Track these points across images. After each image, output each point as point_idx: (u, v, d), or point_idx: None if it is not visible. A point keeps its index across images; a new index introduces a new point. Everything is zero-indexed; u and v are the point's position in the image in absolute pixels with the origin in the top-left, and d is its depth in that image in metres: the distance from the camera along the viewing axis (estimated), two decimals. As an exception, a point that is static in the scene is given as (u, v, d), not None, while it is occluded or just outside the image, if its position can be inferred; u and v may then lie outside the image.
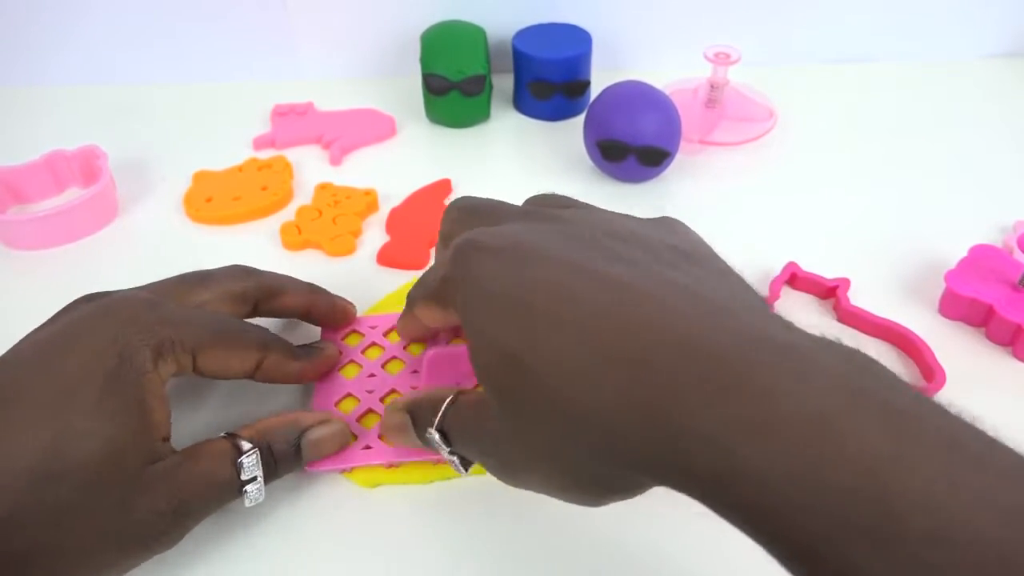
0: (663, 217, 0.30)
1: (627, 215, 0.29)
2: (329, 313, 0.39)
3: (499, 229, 0.28)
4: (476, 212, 0.31)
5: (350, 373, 0.37)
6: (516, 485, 0.28)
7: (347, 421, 0.34)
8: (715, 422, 0.19)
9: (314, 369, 0.36)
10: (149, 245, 0.47)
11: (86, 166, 0.50)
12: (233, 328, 0.33)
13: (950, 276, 0.41)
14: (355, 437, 0.34)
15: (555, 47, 0.55)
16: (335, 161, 0.53)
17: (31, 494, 0.26)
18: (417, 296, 0.33)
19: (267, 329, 0.35)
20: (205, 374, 0.32)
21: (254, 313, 0.37)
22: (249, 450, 0.30)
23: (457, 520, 0.33)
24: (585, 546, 0.32)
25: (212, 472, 0.29)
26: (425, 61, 0.54)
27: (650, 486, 0.24)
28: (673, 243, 0.27)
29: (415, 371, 0.37)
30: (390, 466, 0.34)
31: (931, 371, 0.37)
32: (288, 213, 0.49)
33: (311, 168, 0.53)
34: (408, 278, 0.44)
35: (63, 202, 0.47)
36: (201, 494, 0.29)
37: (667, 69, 0.60)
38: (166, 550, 0.29)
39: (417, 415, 0.31)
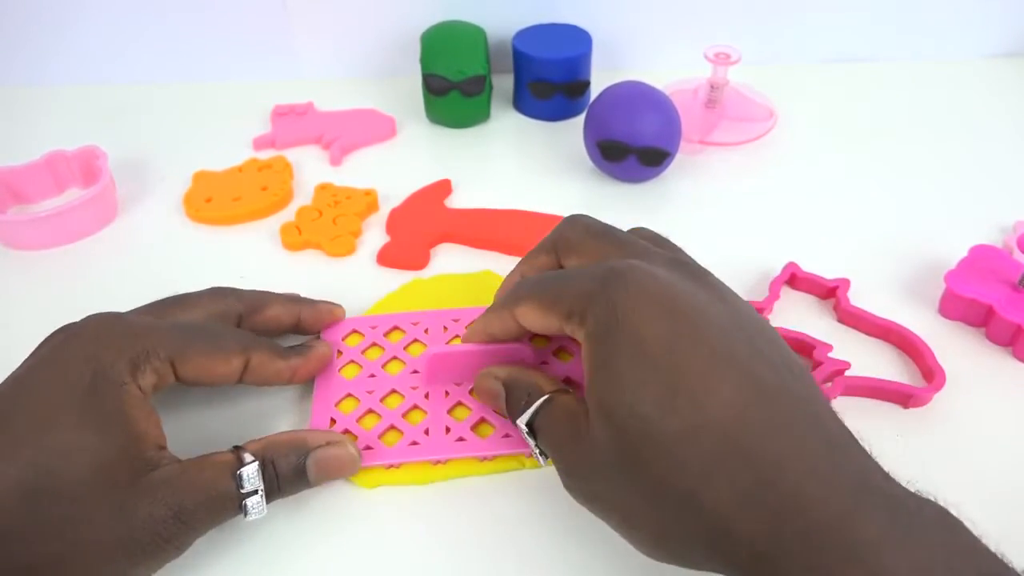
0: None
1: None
2: (316, 320, 0.39)
3: (658, 273, 0.28)
4: (605, 236, 0.32)
5: (350, 373, 0.37)
6: (584, 506, 0.29)
7: (355, 434, 0.34)
8: (826, 569, 0.21)
9: (306, 366, 0.36)
10: (149, 245, 0.47)
11: (86, 166, 0.50)
12: (211, 332, 0.33)
13: (950, 276, 0.41)
14: (355, 437, 0.34)
15: (555, 47, 0.55)
16: (335, 161, 0.53)
17: (26, 510, 0.26)
18: (528, 295, 0.31)
19: (249, 332, 0.35)
20: (189, 383, 0.32)
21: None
22: (250, 462, 0.30)
23: (457, 520, 0.33)
24: (585, 546, 0.32)
25: (212, 481, 0.29)
26: (425, 61, 0.54)
27: (716, 572, 0.25)
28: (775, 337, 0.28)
29: (415, 371, 0.37)
30: (390, 467, 0.34)
31: (931, 372, 0.37)
32: (288, 213, 0.49)
33: (311, 168, 0.53)
34: (408, 278, 0.44)
35: (63, 202, 0.47)
36: (201, 502, 0.29)
37: (667, 69, 0.60)
38: (173, 558, 0.29)
39: (511, 394, 0.32)
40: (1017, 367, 0.39)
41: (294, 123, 0.56)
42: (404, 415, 0.35)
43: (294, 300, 0.38)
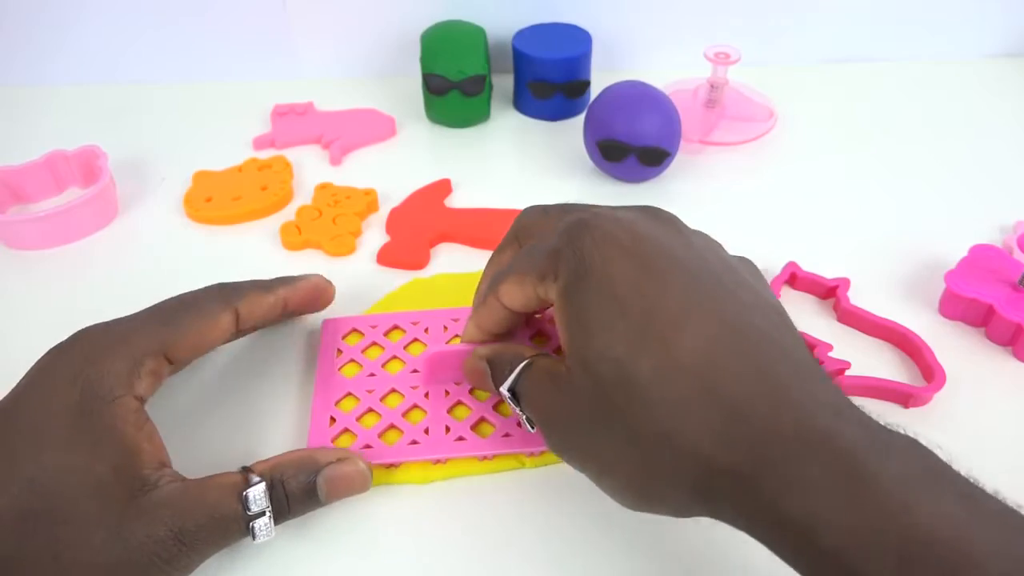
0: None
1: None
2: (305, 299, 0.37)
3: (620, 215, 0.28)
4: (562, 208, 0.32)
5: (350, 372, 0.37)
6: (566, 460, 0.29)
7: (354, 433, 0.34)
8: (812, 478, 0.22)
9: (295, 295, 0.35)
10: (149, 245, 0.47)
11: (86, 166, 0.50)
12: (190, 303, 0.33)
13: (950, 276, 0.41)
14: (355, 436, 0.34)
15: (555, 47, 0.55)
16: (335, 161, 0.53)
17: (19, 533, 0.26)
18: (505, 275, 0.31)
19: (227, 283, 0.35)
20: (189, 360, 0.32)
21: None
22: (257, 483, 0.29)
23: (456, 520, 0.33)
24: (586, 546, 0.32)
25: (217, 502, 0.28)
26: (425, 61, 0.54)
27: (699, 515, 0.26)
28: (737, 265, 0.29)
29: (415, 371, 0.37)
30: (389, 466, 0.34)
31: (931, 371, 0.37)
32: (288, 213, 0.49)
33: (311, 168, 0.53)
34: (408, 278, 0.44)
35: (63, 202, 0.47)
36: (204, 524, 0.28)
37: (667, 69, 0.60)
38: None
39: (495, 367, 0.31)
40: (1017, 367, 0.39)
41: (294, 123, 0.56)
42: (404, 414, 0.35)
43: (278, 285, 0.36)
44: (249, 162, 0.52)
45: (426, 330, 0.39)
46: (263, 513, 0.29)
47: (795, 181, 0.52)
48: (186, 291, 0.34)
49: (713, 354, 0.24)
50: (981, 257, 0.42)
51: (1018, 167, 0.53)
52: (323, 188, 0.50)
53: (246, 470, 0.30)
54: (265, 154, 0.54)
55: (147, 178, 0.52)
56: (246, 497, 0.29)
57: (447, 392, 0.36)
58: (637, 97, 0.48)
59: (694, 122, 0.54)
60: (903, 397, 0.36)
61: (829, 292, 0.42)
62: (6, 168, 0.49)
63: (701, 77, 0.56)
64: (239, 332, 0.35)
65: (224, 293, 0.34)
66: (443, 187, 0.50)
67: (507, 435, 0.34)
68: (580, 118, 0.53)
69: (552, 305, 0.29)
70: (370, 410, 0.36)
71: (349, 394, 0.36)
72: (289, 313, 0.36)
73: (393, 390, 0.36)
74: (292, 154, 0.54)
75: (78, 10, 0.58)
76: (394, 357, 0.38)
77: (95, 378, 0.29)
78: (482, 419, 0.35)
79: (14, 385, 0.31)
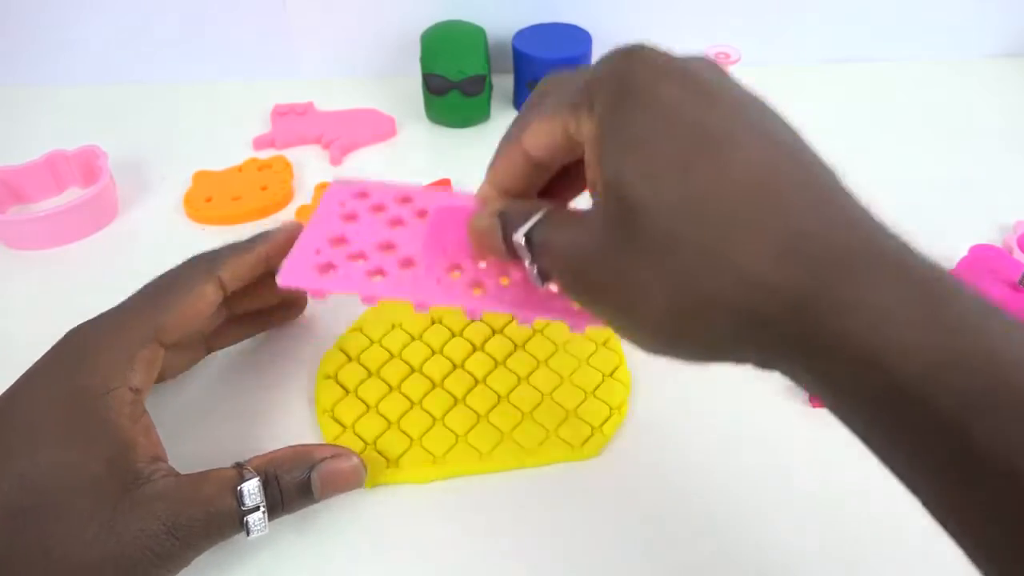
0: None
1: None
2: (285, 248, 0.33)
3: (670, 52, 0.25)
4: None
5: (349, 220, 0.35)
6: (586, 302, 0.25)
7: (335, 264, 0.31)
8: (886, 300, 0.20)
9: (276, 245, 0.35)
10: (149, 245, 0.47)
11: (86, 166, 0.50)
12: (173, 281, 0.33)
13: (950, 276, 0.41)
14: (336, 268, 0.31)
15: (555, 47, 0.55)
16: (335, 161, 0.53)
17: (10, 529, 0.26)
18: (529, 115, 0.28)
19: (206, 252, 0.34)
20: (182, 339, 0.32)
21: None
22: (251, 478, 0.29)
23: (456, 519, 0.33)
24: (587, 546, 0.32)
25: (211, 498, 0.28)
26: (425, 61, 0.54)
27: (737, 355, 0.23)
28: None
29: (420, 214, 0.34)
30: (388, 465, 0.34)
31: None
32: (288, 213, 0.49)
33: (311, 168, 0.53)
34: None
35: (63, 202, 0.47)
36: (198, 519, 0.28)
37: (667, 69, 0.60)
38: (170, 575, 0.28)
39: (507, 220, 0.28)
40: (1017, 367, 0.39)
41: (294, 123, 0.56)
42: (399, 264, 0.32)
43: (258, 243, 0.35)
44: (249, 162, 0.52)
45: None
46: (257, 508, 0.29)
47: (795, 181, 0.52)
48: (168, 269, 0.34)
49: (771, 169, 0.22)
50: (981, 257, 0.42)
51: (1018, 167, 0.53)
52: (323, 188, 0.50)
53: (240, 466, 0.30)
54: (265, 154, 0.54)
55: (147, 178, 0.52)
56: (240, 492, 0.29)
57: (449, 264, 0.32)
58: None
59: (694, 122, 0.54)
60: None
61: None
62: (6, 168, 0.49)
63: (701, 77, 0.56)
64: (228, 298, 0.34)
65: (205, 263, 0.34)
66: (443, 187, 0.50)
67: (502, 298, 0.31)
68: (580, 118, 0.53)
69: (582, 154, 0.26)
70: (361, 254, 0.33)
71: (343, 237, 0.33)
72: (273, 268, 0.33)
73: (389, 243, 0.33)
74: (292, 154, 0.54)
75: (78, 10, 0.58)
76: (399, 219, 0.34)
77: (89, 372, 0.29)
78: (478, 282, 0.31)
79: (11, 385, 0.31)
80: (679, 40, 0.61)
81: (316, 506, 0.33)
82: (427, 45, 0.54)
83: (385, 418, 0.36)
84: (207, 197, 0.49)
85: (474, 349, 0.38)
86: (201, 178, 0.51)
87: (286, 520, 0.32)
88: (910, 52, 0.63)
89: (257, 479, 0.29)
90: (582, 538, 0.32)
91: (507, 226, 0.27)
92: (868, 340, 0.20)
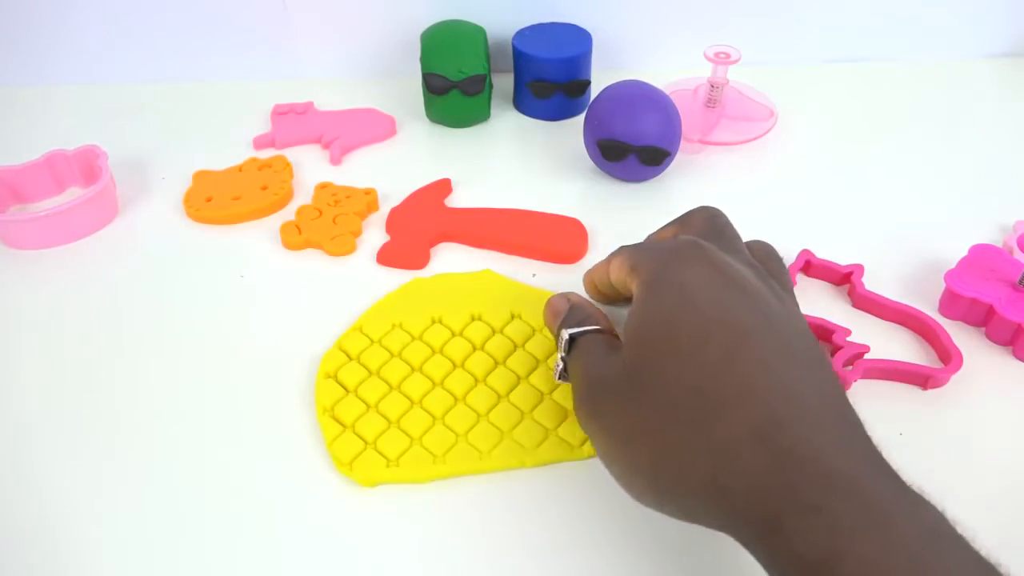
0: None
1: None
2: None
3: (721, 254, 0.29)
4: (715, 225, 0.33)
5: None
6: (588, 427, 0.29)
7: None
8: (828, 517, 0.22)
9: None
10: (149, 245, 0.47)
11: (86, 166, 0.50)
12: None
13: (950, 276, 0.41)
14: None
15: (555, 47, 0.55)
16: (335, 161, 0.53)
17: None
18: (621, 252, 0.33)
19: None
20: None
21: None
22: None
23: (457, 519, 0.33)
24: (587, 547, 0.32)
25: None
26: (425, 61, 0.54)
27: (706, 522, 0.26)
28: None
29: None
30: (389, 465, 0.34)
31: (948, 354, 0.38)
32: (288, 213, 0.49)
33: (311, 168, 0.53)
34: (408, 277, 0.44)
35: (63, 202, 0.47)
36: None
37: (667, 69, 0.60)
38: None
39: (572, 312, 0.33)
40: (1017, 366, 0.39)
41: (294, 122, 0.56)
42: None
43: None
44: (249, 162, 0.52)
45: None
46: None
47: (795, 181, 0.52)
48: None
49: (769, 366, 0.26)
50: (981, 257, 0.42)
51: (1018, 167, 0.53)
52: (323, 188, 0.50)
53: None
54: (265, 154, 0.54)
55: (147, 178, 0.52)
56: None
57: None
58: (637, 97, 0.48)
59: (694, 122, 0.54)
60: (921, 379, 0.37)
61: (844, 279, 0.42)
62: (6, 168, 0.49)
63: (701, 77, 0.56)
64: None
65: None
66: (443, 187, 0.50)
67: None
68: (580, 118, 0.53)
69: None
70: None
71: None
72: None
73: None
74: (292, 154, 0.54)
75: (78, 10, 0.58)
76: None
77: None
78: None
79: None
80: (679, 40, 0.61)
81: (316, 506, 0.33)
82: (427, 45, 0.54)
83: (385, 417, 0.36)
84: (207, 197, 0.49)
85: (474, 349, 0.38)
86: (201, 178, 0.51)
87: (285, 520, 0.32)
88: (910, 52, 0.63)
89: None
90: (581, 537, 0.32)
91: (568, 317, 0.33)
92: (826, 547, 0.22)
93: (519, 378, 0.37)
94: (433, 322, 0.40)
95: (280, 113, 0.57)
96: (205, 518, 0.33)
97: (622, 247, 0.34)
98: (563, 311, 0.34)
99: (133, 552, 0.32)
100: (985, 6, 0.61)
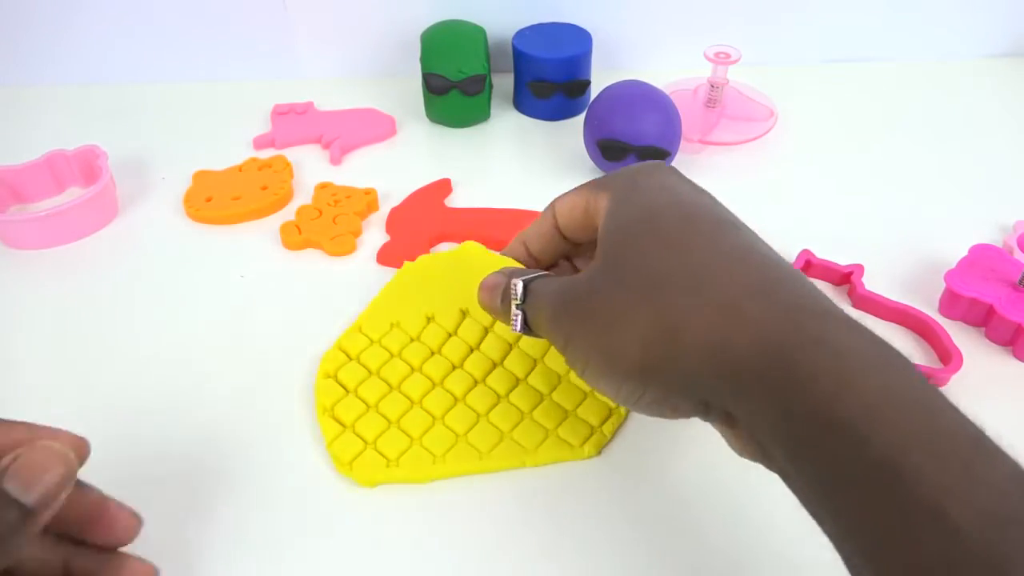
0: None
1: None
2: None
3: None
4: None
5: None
6: (567, 339, 0.28)
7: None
8: (843, 339, 0.23)
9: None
10: (149, 245, 0.47)
11: (86, 166, 0.50)
12: None
13: (950, 276, 0.41)
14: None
15: (555, 47, 0.55)
16: (335, 161, 0.53)
17: None
18: (566, 192, 0.32)
19: None
20: None
21: None
22: None
23: (457, 519, 0.33)
24: (584, 548, 0.32)
25: None
26: (425, 61, 0.54)
27: (697, 401, 0.25)
28: None
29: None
30: (388, 465, 0.34)
31: (948, 354, 0.38)
32: (288, 213, 0.49)
33: (311, 168, 0.53)
34: (408, 278, 0.44)
35: (63, 202, 0.47)
36: None
37: (667, 69, 0.60)
38: None
39: (513, 272, 0.32)
40: (1017, 367, 0.39)
41: (294, 122, 0.56)
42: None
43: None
44: (249, 162, 0.52)
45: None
46: None
47: (794, 181, 0.52)
48: None
49: (751, 249, 0.26)
50: (981, 257, 0.42)
51: (1018, 167, 0.53)
52: (323, 188, 0.50)
53: None
54: (265, 154, 0.54)
55: (147, 178, 0.52)
56: None
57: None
58: (637, 97, 0.48)
59: (694, 122, 0.54)
60: None
61: (844, 278, 0.43)
62: (6, 168, 0.49)
63: (701, 77, 0.56)
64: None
65: None
66: (443, 187, 0.50)
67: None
68: (580, 118, 0.53)
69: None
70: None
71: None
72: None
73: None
74: (292, 154, 0.54)
75: (78, 10, 0.58)
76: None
77: None
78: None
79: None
80: (679, 40, 0.61)
81: (314, 505, 0.33)
82: (427, 45, 0.54)
83: (385, 417, 0.35)
84: (207, 197, 0.49)
85: (472, 350, 0.38)
86: (201, 178, 0.51)
87: (286, 519, 0.32)
88: (910, 52, 0.63)
89: None
90: (582, 537, 0.32)
91: (512, 276, 0.31)
92: (835, 373, 0.22)
93: (518, 379, 0.37)
94: (428, 321, 0.39)
95: (280, 113, 0.57)
96: (205, 517, 0.33)
97: (562, 195, 0.33)
98: (501, 282, 0.32)
99: (131, 550, 0.31)
100: (985, 6, 0.61)
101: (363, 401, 0.36)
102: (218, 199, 0.49)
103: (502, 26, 0.58)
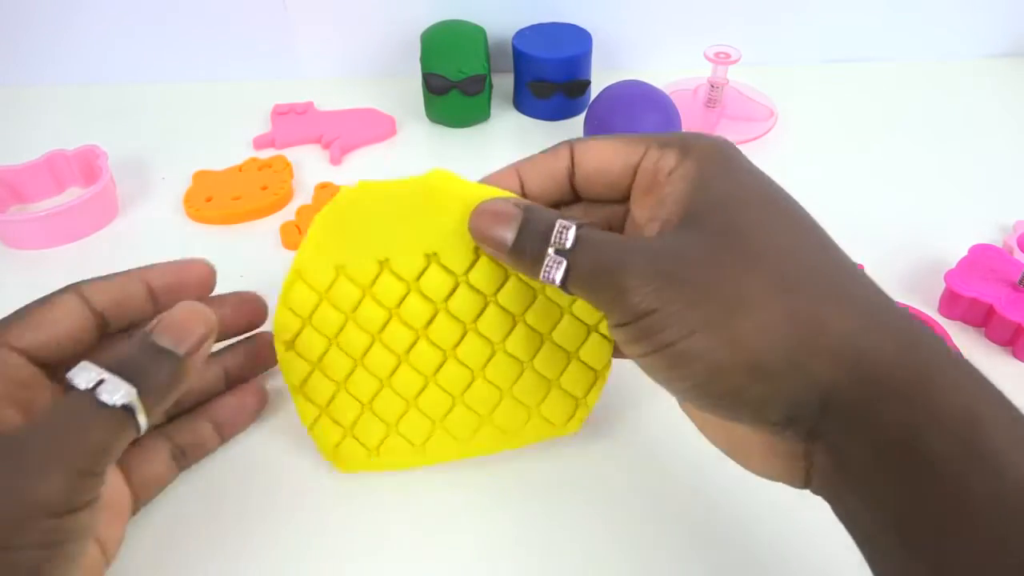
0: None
1: None
2: (175, 281, 0.33)
3: None
4: None
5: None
6: (653, 304, 0.24)
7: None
8: (965, 367, 0.22)
9: (159, 272, 0.32)
10: (149, 245, 0.47)
11: (86, 166, 0.50)
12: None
13: (950, 276, 0.41)
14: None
15: (555, 47, 0.55)
16: (335, 161, 0.53)
17: None
18: (601, 136, 0.29)
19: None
20: (44, 351, 0.28)
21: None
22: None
23: (437, 506, 0.33)
24: (578, 533, 0.32)
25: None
26: (425, 61, 0.54)
27: (757, 423, 0.24)
28: None
29: None
30: (368, 453, 0.33)
31: None
32: (288, 213, 0.49)
33: (311, 168, 0.53)
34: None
35: (63, 202, 0.47)
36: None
37: (667, 69, 0.60)
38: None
39: (535, 214, 0.27)
40: (1017, 366, 0.39)
41: (294, 122, 0.56)
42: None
43: (127, 272, 0.32)
44: (249, 162, 0.52)
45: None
46: (102, 382, 0.25)
47: (794, 181, 0.51)
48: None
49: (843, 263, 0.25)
50: (981, 257, 0.42)
51: (1018, 167, 0.53)
52: (323, 188, 0.50)
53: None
54: (265, 154, 0.54)
55: (147, 178, 0.52)
56: (69, 379, 0.25)
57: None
58: (637, 97, 0.48)
59: (694, 122, 0.54)
60: None
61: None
62: (6, 168, 0.49)
63: (701, 77, 0.56)
64: (100, 319, 0.30)
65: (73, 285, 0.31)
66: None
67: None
68: (580, 118, 0.53)
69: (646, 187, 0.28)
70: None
71: None
72: (163, 303, 0.31)
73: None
74: (292, 154, 0.54)
75: (78, 10, 0.58)
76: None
77: None
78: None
79: None
80: (679, 40, 0.61)
81: (294, 494, 0.33)
82: (427, 45, 0.54)
83: (357, 400, 0.33)
84: (207, 197, 0.49)
85: (436, 311, 0.32)
86: (201, 178, 0.51)
87: (260, 506, 0.32)
88: (910, 52, 0.63)
89: (88, 369, 0.25)
90: (574, 525, 0.32)
91: (528, 232, 0.27)
92: (972, 393, 0.21)
93: (492, 346, 0.32)
94: (381, 267, 0.32)
95: (280, 113, 0.57)
96: (207, 514, 0.33)
97: (585, 139, 0.29)
98: (513, 213, 0.28)
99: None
100: (985, 6, 0.61)
101: (330, 379, 0.32)
102: (218, 199, 0.49)
103: (502, 26, 0.58)
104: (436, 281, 0.31)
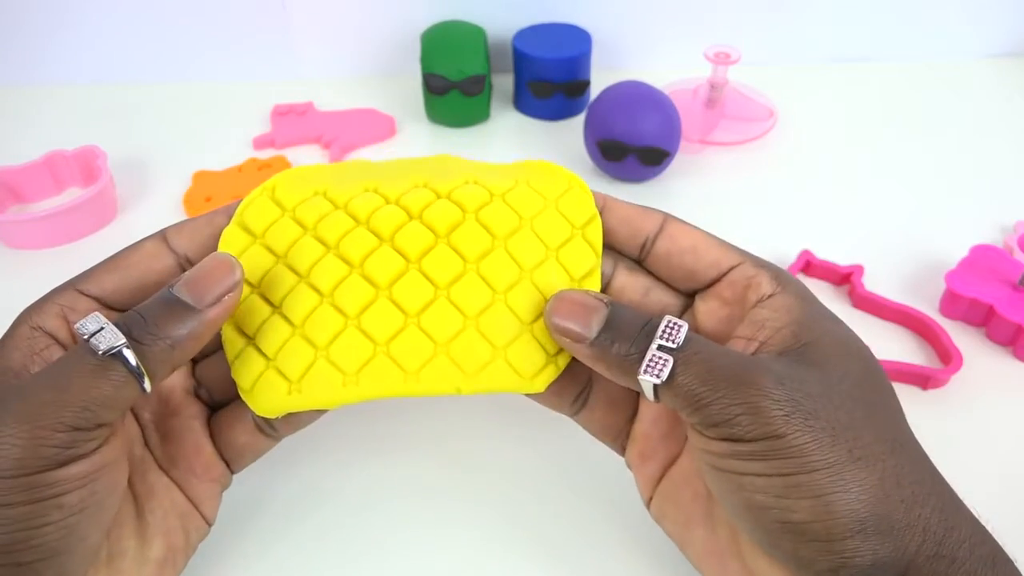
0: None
1: None
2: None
3: None
4: None
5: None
6: (776, 417, 0.23)
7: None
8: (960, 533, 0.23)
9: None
10: (149, 245, 0.47)
11: (86, 166, 0.50)
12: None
13: (950, 276, 0.41)
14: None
15: (555, 47, 0.55)
16: (335, 161, 0.53)
17: None
18: (732, 247, 0.29)
19: None
20: (124, 294, 0.28)
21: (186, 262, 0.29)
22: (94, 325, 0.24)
23: (443, 511, 0.33)
24: (576, 530, 0.32)
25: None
26: (425, 61, 0.54)
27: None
28: None
29: None
30: (291, 390, 0.26)
31: (948, 354, 0.38)
32: (288, 213, 0.49)
33: (311, 168, 0.53)
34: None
35: (63, 202, 0.47)
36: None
37: (667, 69, 0.60)
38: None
39: (622, 313, 0.26)
40: (1018, 367, 0.39)
41: (294, 123, 0.56)
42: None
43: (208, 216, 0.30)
44: (249, 162, 0.52)
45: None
46: (100, 329, 0.24)
47: (794, 181, 0.52)
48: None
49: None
50: (981, 257, 0.42)
51: (1018, 167, 0.53)
52: (323, 188, 0.50)
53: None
54: (265, 154, 0.54)
55: (147, 178, 0.52)
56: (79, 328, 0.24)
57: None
58: (637, 97, 0.48)
59: (694, 122, 0.54)
60: (922, 379, 0.37)
61: (844, 279, 0.43)
62: (6, 168, 0.49)
63: (701, 77, 0.56)
64: (184, 262, 0.29)
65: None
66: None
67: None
68: (580, 118, 0.53)
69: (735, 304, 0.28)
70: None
71: None
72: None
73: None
74: (292, 154, 0.54)
75: (77, 10, 0.58)
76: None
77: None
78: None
79: None
80: (679, 40, 0.61)
81: (294, 494, 0.33)
82: (427, 45, 0.55)
83: (289, 321, 0.27)
84: (207, 197, 0.49)
85: (410, 218, 0.28)
86: (201, 178, 0.51)
87: (266, 509, 0.32)
88: (910, 52, 0.63)
89: (96, 318, 0.24)
90: (567, 512, 0.32)
91: (625, 314, 0.26)
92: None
93: (465, 263, 0.27)
94: (366, 190, 0.29)
95: (280, 113, 0.57)
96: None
97: (678, 218, 0.29)
98: (596, 305, 0.26)
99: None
100: (985, 6, 0.61)
101: (267, 302, 0.28)
102: (218, 199, 0.49)
103: (502, 26, 0.58)
104: (418, 196, 0.29)
